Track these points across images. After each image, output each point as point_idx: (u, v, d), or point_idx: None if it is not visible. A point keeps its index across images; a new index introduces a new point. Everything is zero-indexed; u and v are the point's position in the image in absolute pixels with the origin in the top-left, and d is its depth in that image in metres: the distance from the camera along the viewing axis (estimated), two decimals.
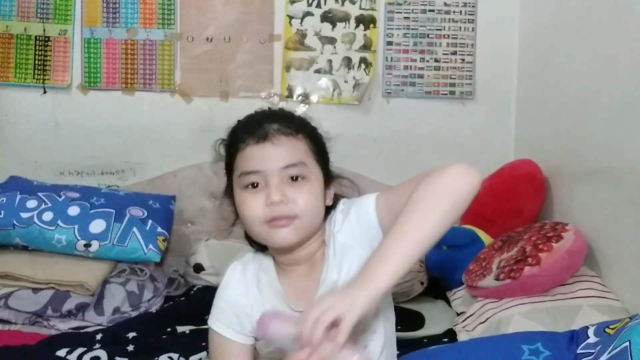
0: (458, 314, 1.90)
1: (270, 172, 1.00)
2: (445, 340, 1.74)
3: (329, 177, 1.10)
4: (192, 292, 2.13)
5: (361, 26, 2.43)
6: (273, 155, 1.01)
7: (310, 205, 1.02)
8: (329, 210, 1.09)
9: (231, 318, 1.09)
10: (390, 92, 2.47)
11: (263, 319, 0.95)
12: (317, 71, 2.44)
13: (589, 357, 1.17)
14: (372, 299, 0.86)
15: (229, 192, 1.09)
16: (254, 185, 1.02)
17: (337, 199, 1.11)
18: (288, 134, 1.03)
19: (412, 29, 2.45)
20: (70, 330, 1.87)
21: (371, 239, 1.01)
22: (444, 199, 0.92)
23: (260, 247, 1.12)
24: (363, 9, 2.42)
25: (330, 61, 2.43)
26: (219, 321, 1.11)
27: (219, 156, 1.10)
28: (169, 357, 1.62)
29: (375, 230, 1.01)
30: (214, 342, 1.12)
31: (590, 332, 1.27)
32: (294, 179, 1.02)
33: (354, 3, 2.42)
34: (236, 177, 1.04)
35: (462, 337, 1.71)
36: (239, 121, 1.09)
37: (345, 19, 2.42)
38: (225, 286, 1.12)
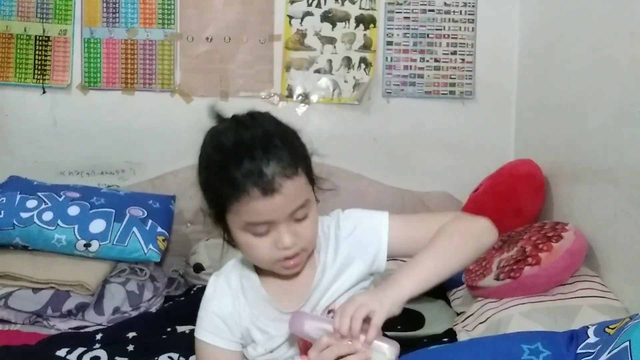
0: (458, 314, 1.90)
1: (280, 220, 0.96)
2: (445, 340, 1.74)
3: (314, 183, 1.07)
4: (192, 292, 2.13)
5: (361, 26, 2.43)
6: (282, 206, 0.95)
7: (314, 234, 1.03)
8: None
9: (220, 326, 1.06)
10: (390, 92, 2.47)
11: (297, 318, 0.97)
12: (317, 71, 2.44)
13: (589, 357, 1.17)
14: (397, 303, 0.94)
15: (218, 222, 1.03)
16: (261, 233, 0.98)
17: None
18: (291, 175, 0.95)
19: (412, 29, 2.45)
20: (70, 330, 1.87)
21: (374, 257, 1.05)
22: (473, 242, 1.05)
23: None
24: (363, 9, 2.42)
25: (330, 61, 2.44)
26: (206, 331, 1.08)
27: (200, 181, 1.02)
28: (169, 357, 1.62)
29: (382, 251, 1.05)
30: (203, 353, 1.09)
31: (590, 332, 1.27)
32: (301, 216, 0.99)
33: (354, 3, 2.42)
34: (236, 220, 0.98)
35: (462, 337, 1.71)
36: (223, 151, 0.97)
37: (345, 19, 2.42)
38: (211, 297, 1.09)
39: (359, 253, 1.06)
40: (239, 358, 1.09)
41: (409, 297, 0.95)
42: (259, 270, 1.09)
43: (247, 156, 0.93)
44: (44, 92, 2.40)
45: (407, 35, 2.45)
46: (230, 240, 1.05)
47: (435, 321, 1.89)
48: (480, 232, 1.07)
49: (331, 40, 2.43)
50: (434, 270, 0.99)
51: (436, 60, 2.46)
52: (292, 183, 0.95)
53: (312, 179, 1.03)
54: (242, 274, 1.10)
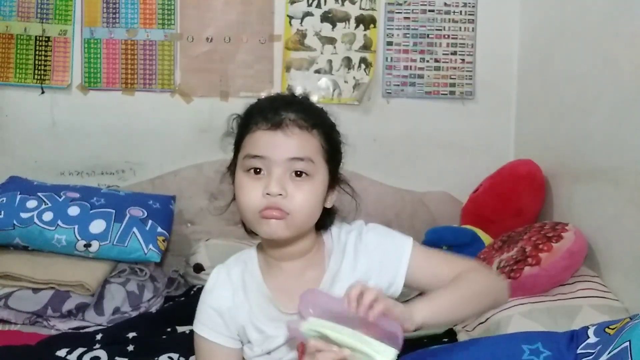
0: None
1: (275, 161, 0.97)
2: (445, 340, 1.74)
3: (335, 178, 1.07)
4: (192, 292, 2.13)
5: (361, 26, 2.43)
6: (282, 145, 0.97)
7: (307, 204, 0.99)
8: (326, 211, 1.07)
9: (217, 321, 1.06)
10: (390, 92, 2.47)
11: (307, 296, 0.95)
12: (317, 71, 2.44)
13: (589, 357, 1.17)
14: (407, 317, 0.91)
15: (232, 169, 1.06)
16: (256, 171, 0.99)
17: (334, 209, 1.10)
18: (303, 127, 0.99)
19: (412, 29, 2.45)
20: (70, 330, 1.87)
21: (390, 281, 1.04)
22: (491, 297, 1.06)
23: (253, 234, 1.08)
24: (363, 9, 2.42)
25: (330, 61, 2.44)
26: (204, 325, 1.07)
27: (230, 131, 1.08)
28: (169, 357, 1.62)
29: (400, 277, 1.04)
30: (200, 347, 1.08)
31: (590, 332, 1.27)
32: (298, 174, 0.98)
33: (354, 3, 2.42)
34: (240, 158, 1.01)
35: (462, 337, 1.71)
36: (258, 100, 1.06)
37: (345, 19, 2.42)
38: (210, 290, 1.08)
39: (376, 273, 1.04)
40: (236, 355, 1.08)
41: (420, 323, 0.92)
42: (263, 268, 1.08)
43: (273, 103, 1.02)
44: (43, 92, 2.40)
45: (407, 35, 2.45)
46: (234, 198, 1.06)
47: None
48: (499, 291, 1.07)
49: (331, 41, 2.43)
50: (450, 310, 0.98)
51: (436, 61, 2.46)
52: (300, 132, 0.99)
53: (330, 159, 1.04)
54: (245, 269, 1.08)
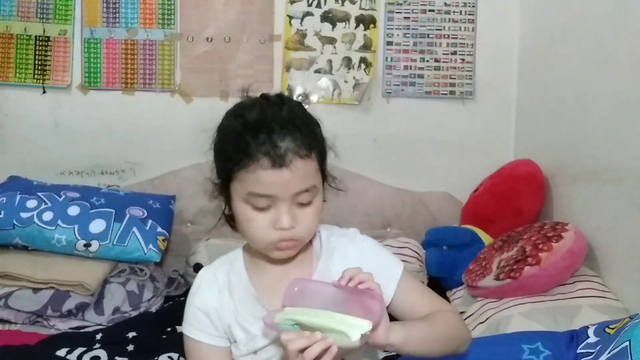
0: None
1: (283, 198, 0.96)
2: None
3: (325, 178, 1.07)
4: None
5: (361, 26, 2.43)
6: (288, 182, 0.95)
7: (314, 225, 1.01)
8: None
9: (204, 322, 1.05)
10: (390, 92, 2.47)
11: (295, 283, 0.95)
12: (317, 71, 2.44)
13: (589, 357, 1.17)
14: (385, 327, 0.92)
15: (222, 191, 1.04)
16: (262, 207, 0.98)
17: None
18: (304, 155, 0.95)
19: (412, 29, 2.45)
20: (70, 330, 1.87)
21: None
22: (458, 342, 1.04)
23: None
24: (363, 9, 2.42)
25: (330, 61, 2.44)
26: (192, 327, 1.06)
27: (213, 145, 1.05)
28: (169, 357, 1.63)
29: (387, 296, 1.03)
30: (190, 349, 1.07)
31: (590, 331, 1.27)
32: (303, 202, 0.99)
33: (354, 3, 2.42)
34: (240, 189, 0.98)
35: None
36: (244, 121, 0.97)
37: (345, 19, 2.42)
38: (196, 291, 1.08)
39: None
40: (225, 354, 1.07)
41: (392, 342, 0.92)
42: (249, 268, 1.07)
43: (265, 128, 0.94)
44: (44, 92, 2.40)
45: (407, 35, 2.45)
46: (229, 218, 1.05)
47: None
48: (465, 340, 1.05)
49: (331, 41, 2.43)
50: (421, 342, 0.97)
51: (436, 60, 2.46)
52: (303, 163, 0.95)
53: (324, 171, 1.04)
54: (231, 269, 1.08)
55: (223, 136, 1.03)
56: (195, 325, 1.06)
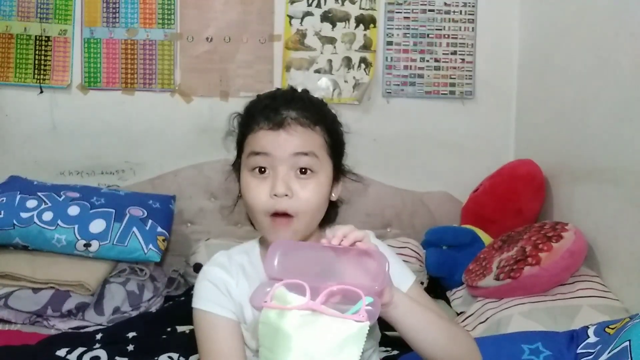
0: (458, 314, 1.90)
1: (280, 158, 0.98)
2: None
3: (339, 171, 1.07)
4: (192, 292, 2.12)
5: (361, 26, 2.43)
6: (285, 143, 0.98)
7: (313, 203, 1.00)
8: (331, 204, 1.07)
9: (217, 293, 1.04)
10: (390, 92, 2.47)
11: (278, 247, 0.90)
12: (317, 71, 2.44)
13: (589, 357, 1.17)
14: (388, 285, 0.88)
15: (236, 167, 1.08)
16: (261, 171, 0.99)
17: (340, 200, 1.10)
18: (305, 124, 1.00)
19: (412, 29, 2.45)
20: (70, 330, 1.87)
21: None
22: (465, 347, 1.00)
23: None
24: (363, 9, 2.42)
25: (330, 61, 2.44)
26: (204, 299, 1.04)
27: (232, 130, 1.09)
28: (169, 357, 1.62)
29: None
30: (201, 323, 1.04)
31: (590, 331, 1.27)
32: (303, 171, 0.99)
33: (354, 3, 2.42)
34: (245, 157, 1.02)
35: None
36: (258, 97, 1.07)
37: (345, 19, 2.42)
38: (209, 268, 1.07)
39: None
40: (235, 328, 1.04)
41: (395, 300, 0.88)
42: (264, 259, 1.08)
43: (272, 100, 1.03)
44: (42, 92, 2.40)
45: (407, 35, 2.45)
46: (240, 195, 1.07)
47: None
48: (472, 351, 1.01)
49: (331, 40, 2.43)
50: (423, 321, 0.93)
51: (436, 60, 2.46)
52: (302, 130, 1.00)
53: (335, 156, 1.05)
54: (246, 258, 1.08)
55: (240, 117, 1.09)
56: (208, 297, 1.04)
